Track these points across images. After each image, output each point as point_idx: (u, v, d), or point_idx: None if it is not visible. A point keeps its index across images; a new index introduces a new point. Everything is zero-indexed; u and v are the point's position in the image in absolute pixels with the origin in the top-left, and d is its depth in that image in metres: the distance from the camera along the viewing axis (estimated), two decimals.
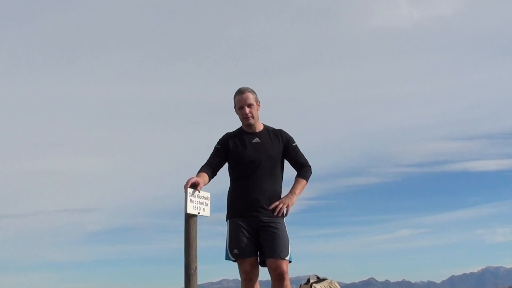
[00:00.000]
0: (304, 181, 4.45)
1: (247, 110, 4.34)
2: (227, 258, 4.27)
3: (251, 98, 4.37)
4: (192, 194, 4.04)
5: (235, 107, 4.45)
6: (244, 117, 4.37)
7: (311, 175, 4.52)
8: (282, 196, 4.36)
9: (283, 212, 4.26)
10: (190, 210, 4.00)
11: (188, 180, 4.04)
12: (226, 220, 4.37)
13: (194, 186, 4.06)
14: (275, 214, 4.22)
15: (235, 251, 4.19)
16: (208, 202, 4.21)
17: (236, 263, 4.26)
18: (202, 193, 4.14)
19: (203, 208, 4.14)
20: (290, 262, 4.21)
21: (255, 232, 4.22)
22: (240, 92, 4.38)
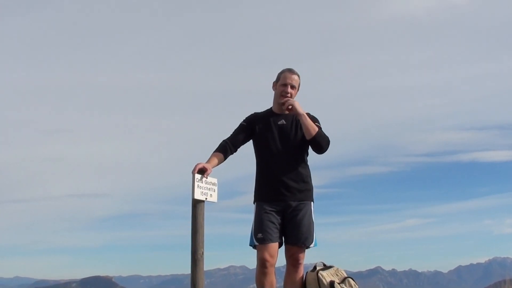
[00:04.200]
0: (317, 127, 4.22)
1: (289, 89, 4.31)
2: (251, 243, 4.20)
3: (297, 81, 4.37)
4: (200, 179, 4.02)
5: (276, 83, 4.39)
6: (283, 95, 4.31)
7: (328, 146, 4.24)
8: (308, 179, 4.29)
9: (288, 105, 4.17)
10: (197, 195, 4.00)
11: (196, 166, 4.02)
12: (254, 203, 4.34)
13: (202, 172, 4.05)
14: (285, 107, 4.17)
15: (259, 235, 4.15)
16: (216, 188, 4.20)
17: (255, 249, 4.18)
18: (210, 179, 4.12)
19: (211, 194, 4.13)
20: (315, 246, 4.22)
21: (281, 217, 4.20)
22: (290, 71, 4.37)
